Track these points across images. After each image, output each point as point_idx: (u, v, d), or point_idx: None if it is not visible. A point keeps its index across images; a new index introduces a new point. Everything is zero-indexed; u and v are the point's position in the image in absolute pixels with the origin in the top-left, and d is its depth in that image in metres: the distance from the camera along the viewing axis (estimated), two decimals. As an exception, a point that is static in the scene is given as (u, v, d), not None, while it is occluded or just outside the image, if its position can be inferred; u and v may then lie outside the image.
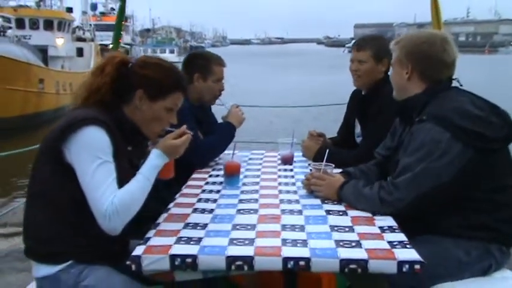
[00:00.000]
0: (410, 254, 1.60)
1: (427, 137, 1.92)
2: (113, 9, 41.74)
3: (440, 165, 1.89)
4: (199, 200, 2.16)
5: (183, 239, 1.70)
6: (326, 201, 2.11)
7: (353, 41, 3.35)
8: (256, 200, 2.15)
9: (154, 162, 1.80)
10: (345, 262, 1.57)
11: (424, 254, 1.74)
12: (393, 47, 2.19)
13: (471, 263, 1.97)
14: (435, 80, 2.09)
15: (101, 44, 29.34)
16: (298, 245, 1.66)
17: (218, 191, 2.30)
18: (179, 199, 2.18)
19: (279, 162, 2.89)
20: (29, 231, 1.81)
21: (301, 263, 1.57)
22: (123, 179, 1.73)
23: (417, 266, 1.57)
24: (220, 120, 3.05)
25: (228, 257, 1.58)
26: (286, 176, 2.59)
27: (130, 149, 1.90)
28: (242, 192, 2.28)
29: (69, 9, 27.86)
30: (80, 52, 26.40)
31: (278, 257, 1.58)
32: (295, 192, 2.28)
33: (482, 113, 1.95)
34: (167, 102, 1.88)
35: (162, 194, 2.08)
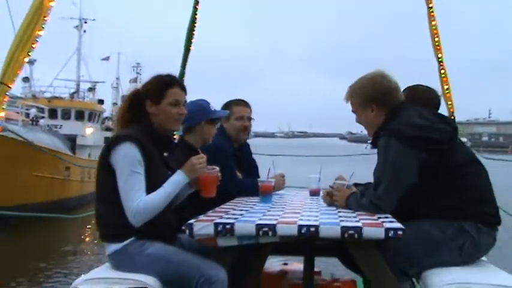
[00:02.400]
0: (395, 224, 2.16)
1: (386, 151, 2.45)
2: (142, 101, 43.13)
3: (401, 171, 2.41)
4: (238, 206, 2.75)
5: (224, 217, 2.32)
6: (340, 212, 2.56)
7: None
8: (283, 208, 2.72)
9: (175, 178, 2.40)
10: (345, 229, 2.12)
11: (407, 238, 2.24)
12: (348, 97, 2.74)
13: (446, 240, 2.39)
14: (393, 105, 2.63)
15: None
16: (311, 220, 2.24)
17: (254, 205, 2.84)
18: (222, 206, 2.74)
19: (308, 195, 3.36)
20: (98, 222, 2.41)
21: (312, 229, 2.13)
22: (158, 181, 2.37)
23: (400, 232, 2.10)
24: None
25: (257, 225, 2.16)
26: (312, 201, 3.07)
27: (166, 155, 2.57)
28: (272, 206, 2.82)
29: (101, 101, 29.09)
30: (107, 141, 27.06)
31: (294, 225, 2.15)
32: (317, 207, 2.78)
33: (428, 122, 2.50)
34: (167, 99, 2.48)
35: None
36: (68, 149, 20.76)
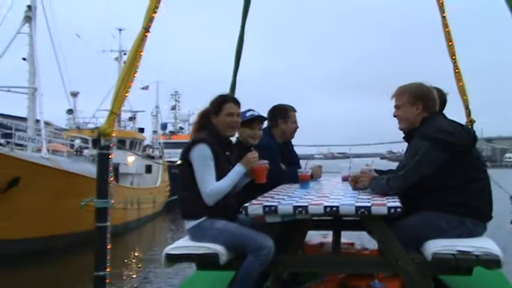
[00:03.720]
0: (395, 203, 2.90)
1: (417, 149, 3.17)
2: (181, 128, 43.98)
3: (422, 164, 3.10)
4: (282, 192, 3.63)
5: (270, 201, 3.13)
6: (360, 195, 3.37)
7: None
8: (317, 192, 3.59)
9: (235, 169, 3.31)
10: (358, 207, 2.88)
11: (416, 222, 3.09)
12: (399, 94, 3.41)
13: (449, 230, 3.08)
14: (432, 111, 3.34)
15: (168, 161, 30.29)
16: (334, 202, 3.02)
17: (295, 190, 3.70)
18: (269, 192, 3.61)
19: (340, 180, 4.34)
20: (182, 204, 3.34)
21: (334, 208, 2.90)
22: (223, 172, 3.25)
23: (398, 210, 2.82)
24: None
25: (294, 206, 2.96)
26: (342, 186, 3.99)
27: (228, 154, 3.43)
28: (309, 191, 3.68)
29: (141, 130, 29.69)
30: (148, 169, 27.62)
31: (321, 206, 2.94)
32: (344, 191, 3.64)
33: (453, 129, 3.20)
34: (224, 112, 3.37)
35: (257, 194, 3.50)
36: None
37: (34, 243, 14.58)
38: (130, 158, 25.44)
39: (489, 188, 3.25)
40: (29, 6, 18.43)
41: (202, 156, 3.20)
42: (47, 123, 21.09)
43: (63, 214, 15.05)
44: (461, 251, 2.84)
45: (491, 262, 2.81)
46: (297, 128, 4.49)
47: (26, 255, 13.58)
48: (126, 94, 3.29)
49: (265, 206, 2.98)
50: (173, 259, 3.10)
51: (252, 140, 3.92)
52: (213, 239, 3.10)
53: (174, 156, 29.40)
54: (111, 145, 3.20)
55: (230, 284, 3.14)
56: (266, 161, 3.40)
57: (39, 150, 17.51)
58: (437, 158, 3.06)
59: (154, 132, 37.76)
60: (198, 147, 3.22)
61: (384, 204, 2.90)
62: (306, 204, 2.97)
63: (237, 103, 3.48)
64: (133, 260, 14.97)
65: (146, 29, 3.34)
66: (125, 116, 29.55)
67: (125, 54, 31.07)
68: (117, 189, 20.84)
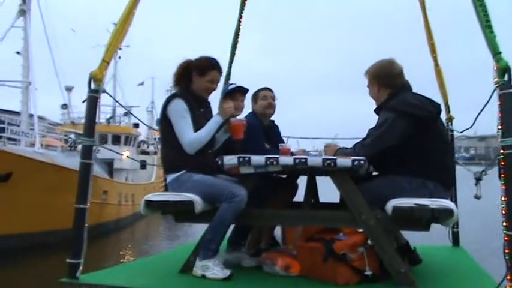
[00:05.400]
0: (359, 158, 3.21)
1: (384, 120, 3.44)
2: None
3: (388, 134, 3.37)
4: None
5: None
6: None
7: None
8: None
9: (214, 119, 3.58)
10: (324, 160, 3.24)
11: (380, 183, 3.42)
12: (365, 75, 3.75)
13: (411, 190, 3.34)
14: (394, 86, 3.61)
15: (163, 157, 30.28)
16: (304, 157, 3.32)
17: None
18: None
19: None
20: (163, 158, 3.62)
21: (302, 160, 3.25)
22: (198, 126, 3.50)
23: (362, 162, 3.18)
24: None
25: (266, 157, 3.31)
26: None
27: (202, 110, 3.67)
28: None
29: (136, 125, 29.83)
30: (143, 165, 27.53)
31: (291, 158, 3.31)
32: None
33: (419, 102, 3.46)
34: (207, 77, 3.63)
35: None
36: (105, 173, 21.40)
37: (27, 239, 14.68)
38: (125, 154, 25.59)
39: (452, 158, 3.52)
40: (24, 0, 18.67)
41: (178, 110, 3.48)
42: (40, 118, 21.08)
43: (56, 209, 15.07)
44: (418, 204, 3.10)
45: (446, 213, 3.06)
46: (269, 103, 4.51)
47: (18, 250, 13.68)
48: (119, 45, 3.60)
49: (239, 157, 3.32)
50: (152, 206, 3.38)
51: (236, 111, 4.08)
52: (190, 190, 3.36)
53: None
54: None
55: (204, 232, 3.40)
56: (244, 119, 3.69)
57: (32, 144, 17.56)
58: (402, 129, 3.32)
59: (150, 128, 37.89)
60: (174, 102, 3.51)
61: (349, 158, 3.22)
62: (277, 156, 3.32)
63: (221, 72, 3.74)
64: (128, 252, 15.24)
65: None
66: (120, 111, 29.73)
67: (120, 49, 31.24)
68: (111, 185, 21.08)
